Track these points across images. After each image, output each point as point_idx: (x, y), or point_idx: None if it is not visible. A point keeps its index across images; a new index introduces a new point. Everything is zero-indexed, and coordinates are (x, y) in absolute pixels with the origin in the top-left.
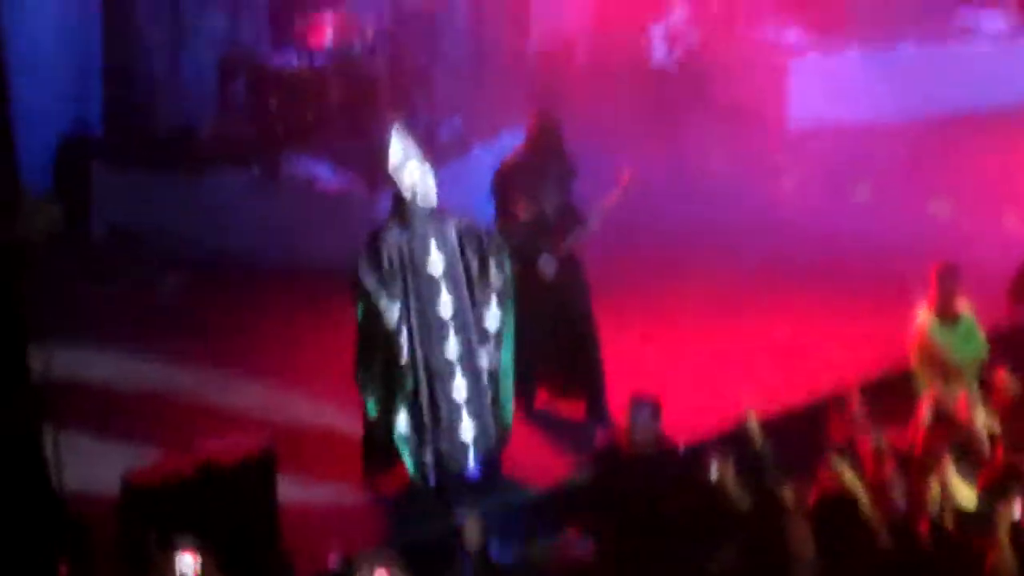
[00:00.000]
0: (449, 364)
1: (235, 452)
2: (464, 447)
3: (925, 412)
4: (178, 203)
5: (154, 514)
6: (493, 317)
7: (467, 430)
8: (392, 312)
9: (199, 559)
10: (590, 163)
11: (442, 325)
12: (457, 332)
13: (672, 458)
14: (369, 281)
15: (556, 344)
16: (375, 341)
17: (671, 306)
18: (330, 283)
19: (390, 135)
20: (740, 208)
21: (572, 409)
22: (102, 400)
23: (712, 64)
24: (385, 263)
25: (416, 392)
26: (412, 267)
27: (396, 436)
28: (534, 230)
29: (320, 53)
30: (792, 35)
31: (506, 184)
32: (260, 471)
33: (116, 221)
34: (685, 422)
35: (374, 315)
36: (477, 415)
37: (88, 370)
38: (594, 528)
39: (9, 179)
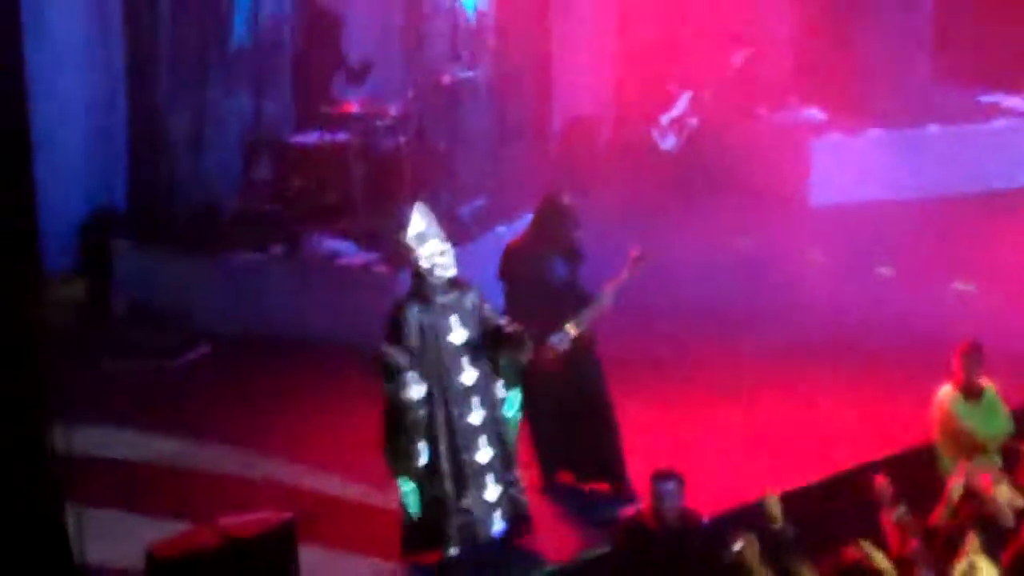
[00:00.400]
0: (474, 430)
1: (257, 525)
2: (491, 508)
3: (954, 488)
4: (200, 280)
5: None
6: (500, 388)
7: (492, 493)
8: (421, 388)
9: None
10: (612, 242)
11: (466, 393)
12: (481, 400)
13: (696, 532)
14: (400, 358)
15: (572, 425)
16: (404, 417)
17: (693, 384)
18: (352, 358)
19: (411, 210)
20: (762, 286)
21: (595, 486)
22: (124, 475)
23: (722, 146)
24: (412, 338)
25: (438, 462)
26: (435, 339)
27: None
28: (543, 311)
29: (343, 131)
30: (813, 115)
31: (512, 265)
32: (281, 544)
33: (138, 298)
34: (707, 498)
35: (403, 392)
36: (502, 478)
37: (110, 446)
38: None
39: (31, 257)
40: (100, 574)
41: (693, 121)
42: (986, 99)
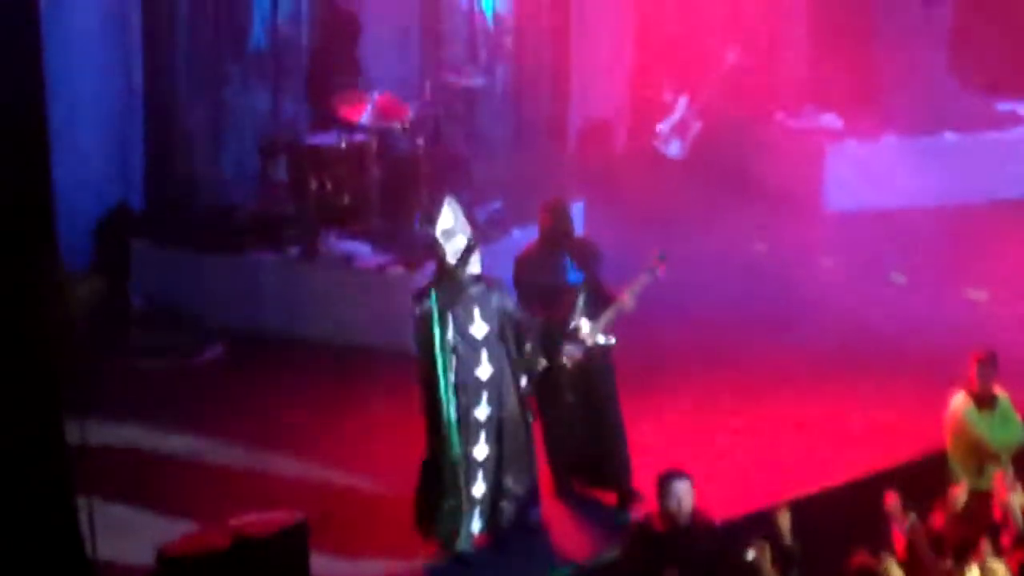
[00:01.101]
0: (478, 425)
1: (268, 525)
2: (474, 506)
3: (959, 497)
4: (217, 280)
5: None
6: (512, 389)
7: (479, 490)
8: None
9: None
10: (630, 246)
11: (478, 386)
12: (490, 397)
13: (708, 532)
14: (439, 332)
15: (582, 433)
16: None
17: (706, 388)
18: (367, 359)
19: (441, 204)
20: (777, 293)
21: (603, 494)
22: (137, 472)
23: (737, 151)
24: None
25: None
26: (456, 330)
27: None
28: (557, 319)
29: (360, 133)
30: (830, 121)
31: (523, 273)
32: (293, 544)
33: (155, 297)
34: (719, 502)
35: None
36: (493, 480)
37: (124, 442)
38: None
39: (49, 255)
40: (111, 569)
41: (697, 125)
42: (1003, 107)
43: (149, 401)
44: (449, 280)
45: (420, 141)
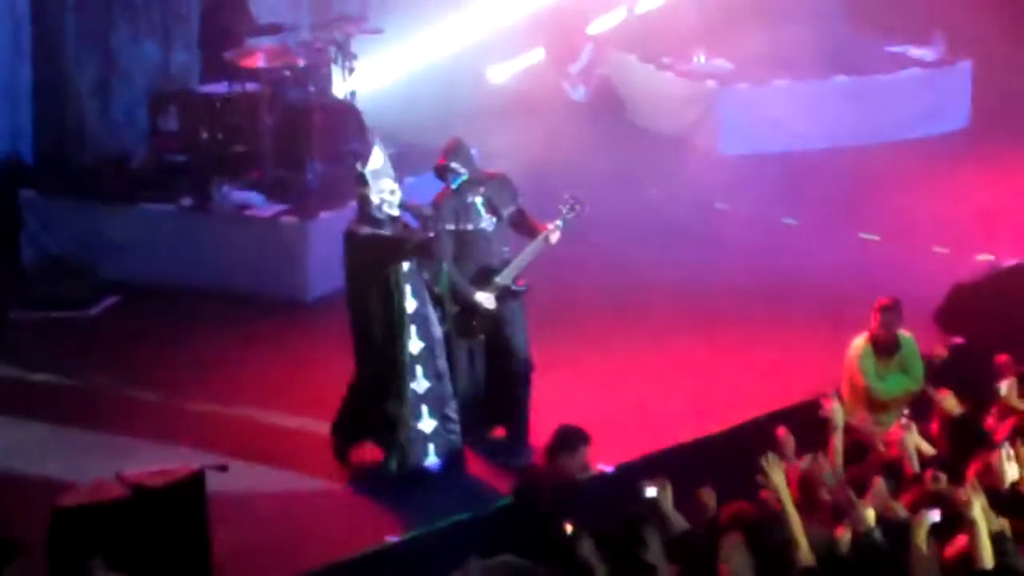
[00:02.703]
0: (413, 359)
1: (165, 477)
2: (425, 440)
3: (838, 439)
4: (109, 231)
5: (84, 537)
6: (438, 324)
7: (427, 425)
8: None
9: None
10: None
11: (406, 320)
12: (419, 329)
13: (600, 483)
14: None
15: (489, 374)
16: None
17: (602, 334)
18: (261, 307)
19: (372, 143)
20: (672, 237)
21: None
22: (32, 420)
23: (632, 96)
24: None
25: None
26: None
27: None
28: (472, 261)
29: (252, 82)
30: (720, 65)
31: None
32: (190, 494)
33: (47, 249)
34: (617, 446)
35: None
36: (437, 412)
37: (16, 390)
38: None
39: None
40: (5, 519)
41: (600, 71)
42: (894, 49)
43: (42, 351)
44: (370, 220)
45: (312, 89)
